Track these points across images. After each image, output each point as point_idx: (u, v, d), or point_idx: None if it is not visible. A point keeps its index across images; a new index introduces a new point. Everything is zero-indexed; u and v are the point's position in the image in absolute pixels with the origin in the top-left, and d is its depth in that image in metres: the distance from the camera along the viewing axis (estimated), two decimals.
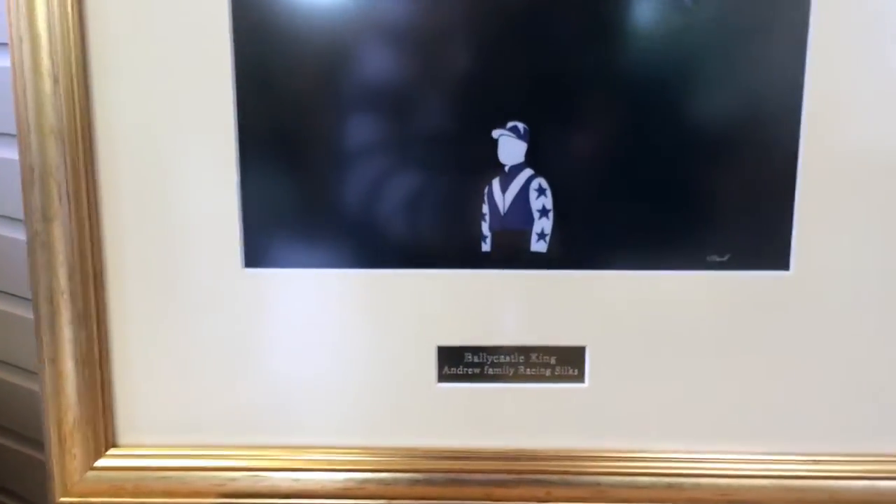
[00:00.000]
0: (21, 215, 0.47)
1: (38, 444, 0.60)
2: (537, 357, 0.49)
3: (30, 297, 0.48)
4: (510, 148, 0.46)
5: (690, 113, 0.46)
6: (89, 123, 0.46)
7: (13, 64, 0.45)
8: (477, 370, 0.49)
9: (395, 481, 0.49)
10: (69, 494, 0.50)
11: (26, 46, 0.44)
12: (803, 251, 0.47)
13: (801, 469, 0.49)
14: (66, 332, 0.48)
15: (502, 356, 0.49)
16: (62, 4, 0.44)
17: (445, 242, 0.48)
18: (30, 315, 0.49)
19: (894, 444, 0.49)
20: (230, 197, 0.47)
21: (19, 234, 0.62)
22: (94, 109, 0.46)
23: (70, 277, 0.47)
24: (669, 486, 0.49)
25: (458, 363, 0.49)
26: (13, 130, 0.46)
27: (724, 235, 0.47)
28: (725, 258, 0.47)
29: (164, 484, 0.50)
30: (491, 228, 0.48)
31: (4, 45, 0.46)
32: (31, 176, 0.46)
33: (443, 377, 0.49)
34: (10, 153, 0.55)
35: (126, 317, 0.49)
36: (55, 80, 0.45)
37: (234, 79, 0.46)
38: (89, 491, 0.50)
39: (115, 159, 0.47)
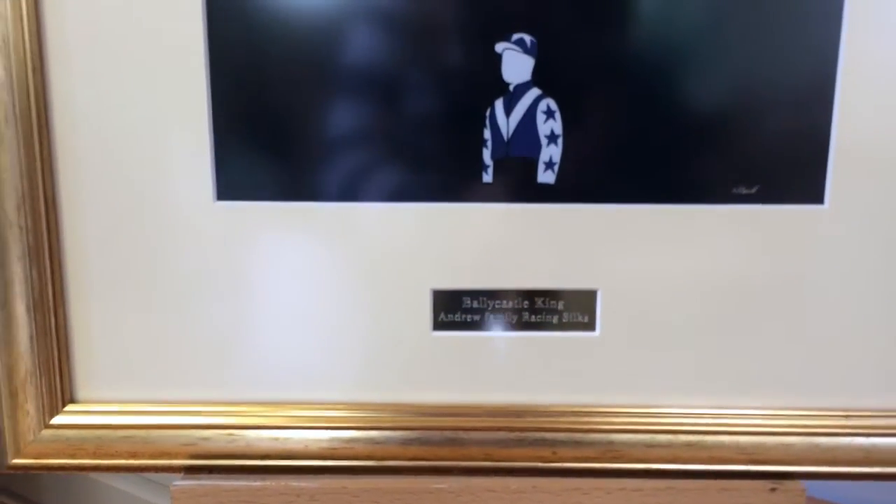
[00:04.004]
0: None
1: None
2: (543, 302, 0.46)
3: None
4: (516, 64, 0.42)
5: (720, 30, 0.42)
6: (39, 33, 0.42)
7: None
8: (476, 317, 0.46)
9: (386, 440, 0.46)
10: (23, 456, 0.46)
11: None
12: (840, 183, 0.44)
13: (834, 425, 0.46)
14: (16, 270, 0.43)
15: (504, 301, 0.46)
16: None
17: (442, 172, 0.44)
18: None
19: None
20: (200, 122, 0.43)
21: None
22: (45, 17, 0.42)
23: (18, 208, 0.43)
24: (689, 444, 0.46)
25: (455, 309, 0.46)
26: None
27: (754, 164, 0.44)
28: (754, 190, 0.44)
29: (128, 444, 0.46)
30: (493, 156, 0.44)
31: None
32: None
33: (438, 325, 0.46)
34: None
35: (84, 254, 0.45)
36: None
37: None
38: (45, 452, 0.46)
39: (69, 75, 0.43)
